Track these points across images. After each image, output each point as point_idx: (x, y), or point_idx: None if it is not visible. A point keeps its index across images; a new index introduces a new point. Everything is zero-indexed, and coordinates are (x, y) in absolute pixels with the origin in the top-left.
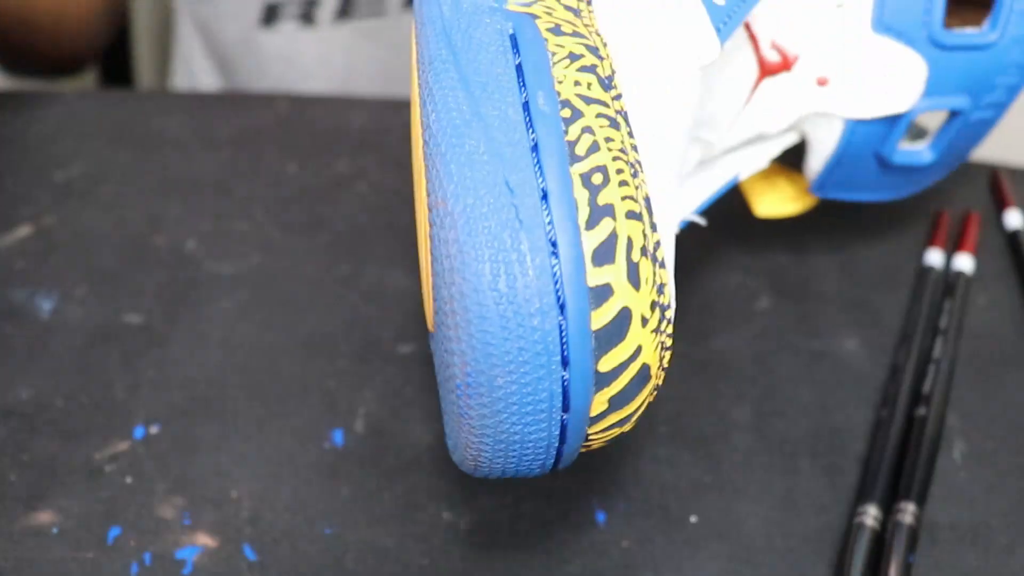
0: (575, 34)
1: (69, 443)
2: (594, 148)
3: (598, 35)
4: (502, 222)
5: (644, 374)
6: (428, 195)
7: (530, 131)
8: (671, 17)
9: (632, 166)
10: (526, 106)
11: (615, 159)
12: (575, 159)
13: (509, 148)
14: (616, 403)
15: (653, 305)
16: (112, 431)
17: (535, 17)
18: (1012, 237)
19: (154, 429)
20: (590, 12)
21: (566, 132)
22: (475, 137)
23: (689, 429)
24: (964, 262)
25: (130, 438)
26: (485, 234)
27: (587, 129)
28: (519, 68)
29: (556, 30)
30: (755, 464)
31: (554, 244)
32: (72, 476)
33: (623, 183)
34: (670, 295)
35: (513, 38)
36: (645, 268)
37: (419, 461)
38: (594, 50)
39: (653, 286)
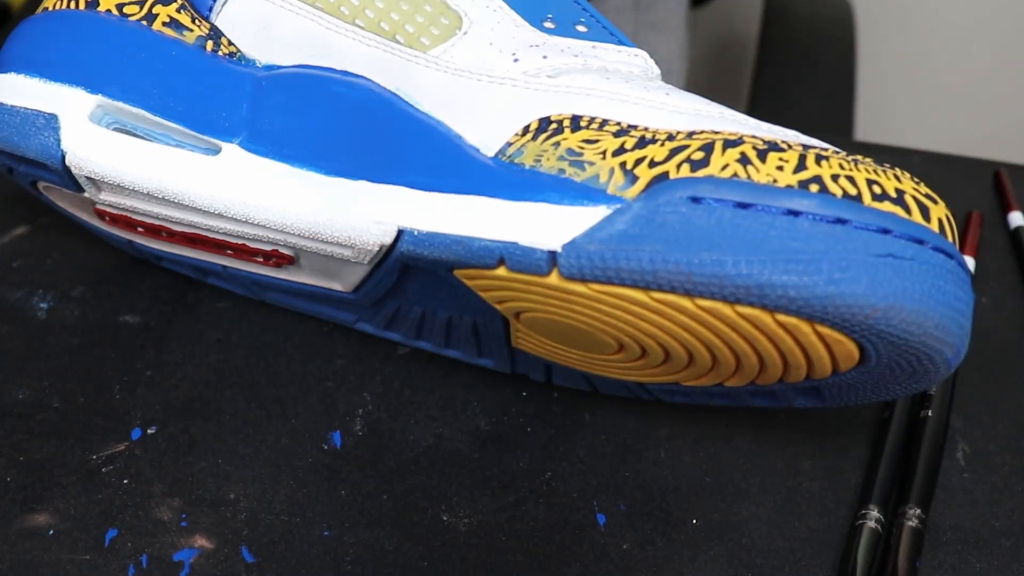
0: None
1: (66, 444)
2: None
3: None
4: None
5: None
6: None
7: None
8: None
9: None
10: None
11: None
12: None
13: None
14: None
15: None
16: (109, 432)
17: None
18: (1015, 235)
19: (151, 430)
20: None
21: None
22: None
23: (690, 430)
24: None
25: (127, 439)
26: None
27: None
28: None
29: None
30: (756, 465)
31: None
32: (69, 477)
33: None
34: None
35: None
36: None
37: (418, 462)
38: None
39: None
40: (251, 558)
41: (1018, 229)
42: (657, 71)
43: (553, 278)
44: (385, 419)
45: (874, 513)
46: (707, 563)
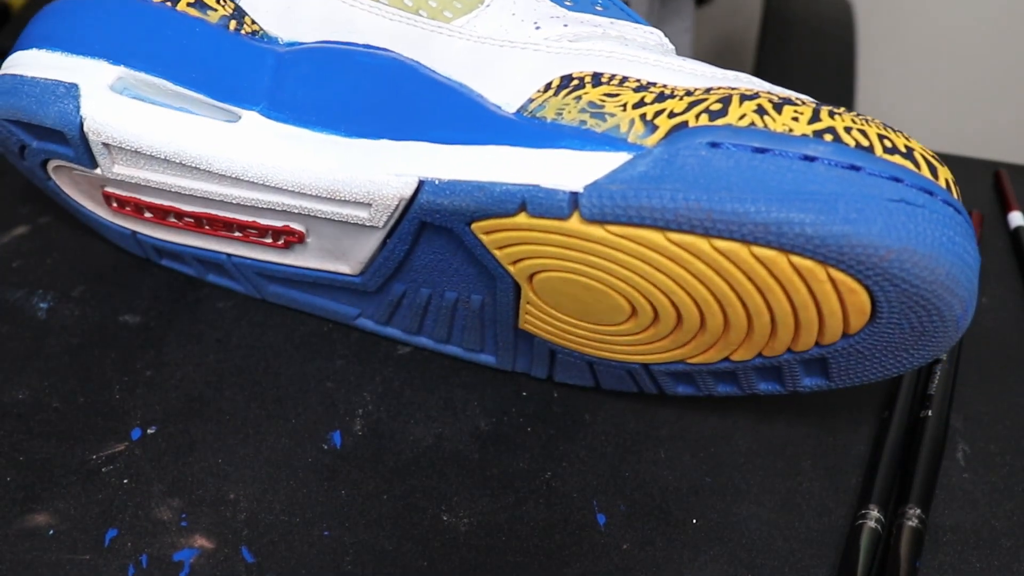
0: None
1: (65, 444)
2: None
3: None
4: None
5: None
6: None
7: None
8: None
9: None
10: None
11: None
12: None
13: None
14: None
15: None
16: (109, 432)
17: None
18: (1014, 235)
19: (151, 430)
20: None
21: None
22: None
23: (690, 430)
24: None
25: (127, 439)
26: None
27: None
28: None
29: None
30: (756, 466)
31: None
32: (68, 477)
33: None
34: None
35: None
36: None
37: (418, 463)
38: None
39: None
40: (251, 558)
41: (1018, 229)
42: (672, 47)
43: (574, 221)
44: (385, 419)
45: (874, 513)
46: (707, 563)
